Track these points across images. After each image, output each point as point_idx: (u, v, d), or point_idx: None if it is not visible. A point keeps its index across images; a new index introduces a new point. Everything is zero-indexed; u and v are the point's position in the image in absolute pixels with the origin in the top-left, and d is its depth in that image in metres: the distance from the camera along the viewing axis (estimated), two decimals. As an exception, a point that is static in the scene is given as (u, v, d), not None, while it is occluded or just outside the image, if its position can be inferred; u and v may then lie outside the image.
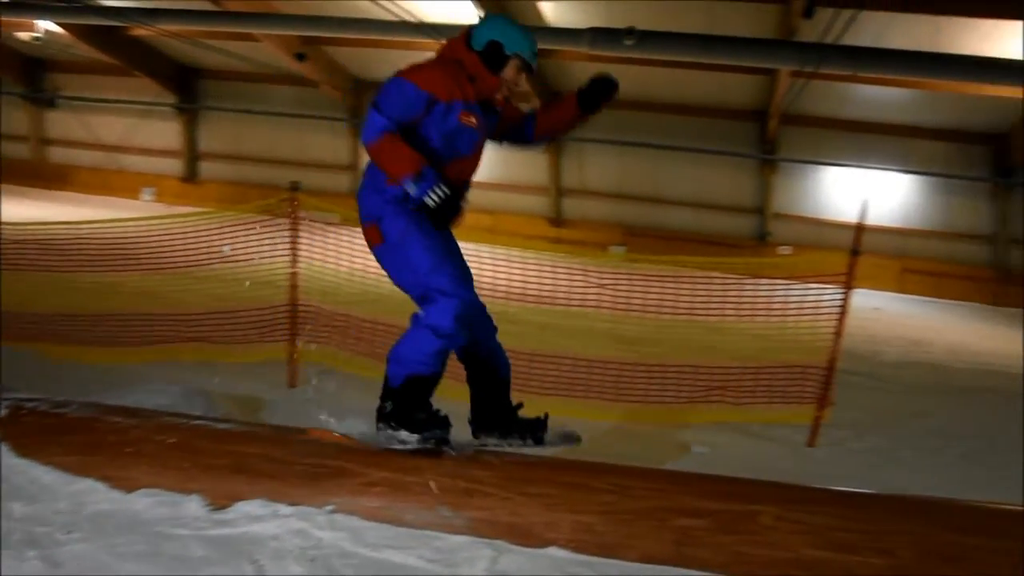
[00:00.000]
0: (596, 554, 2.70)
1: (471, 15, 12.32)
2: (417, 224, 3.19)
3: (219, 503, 2.91)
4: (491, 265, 6.86)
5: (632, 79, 14.40)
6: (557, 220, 16.35)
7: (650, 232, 15.33)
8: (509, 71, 3.31)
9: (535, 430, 3.44)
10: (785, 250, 14.66)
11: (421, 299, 3.23)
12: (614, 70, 14.11)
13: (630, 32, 11.08)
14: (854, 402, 6.94)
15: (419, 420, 3.15)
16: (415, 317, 3.22)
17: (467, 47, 3.30)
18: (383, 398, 3.23)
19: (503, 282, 6.88)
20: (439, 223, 3.19)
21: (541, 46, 13.62)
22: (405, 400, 3.17)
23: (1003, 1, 10.71)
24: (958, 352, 10.38)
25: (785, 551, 2.65)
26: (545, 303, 7.44)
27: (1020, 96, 12.31)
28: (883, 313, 12.56)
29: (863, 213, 5.77)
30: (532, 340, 6.86)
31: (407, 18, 11.65)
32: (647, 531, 2.72)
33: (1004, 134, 13.99)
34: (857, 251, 5.64)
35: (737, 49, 11.21)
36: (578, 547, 2.72)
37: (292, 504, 2.87)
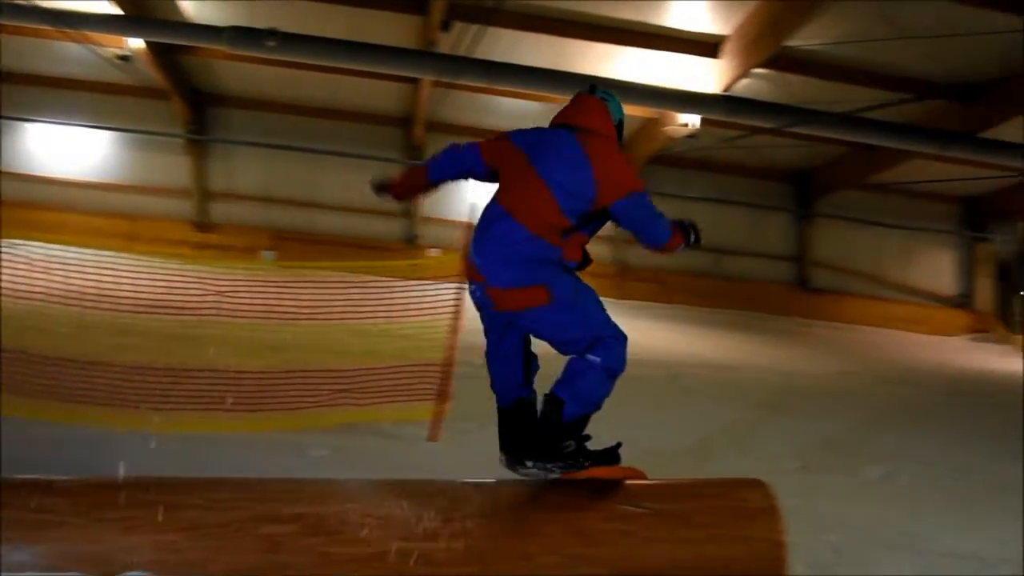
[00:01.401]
0: (179, 573, 2.62)
1: (101, 5, 11.38)
2: (579, 280, 3.46)
3: None
4: (126, 275, 6.41)
5: (280, 81, 14.22)
6: (203, 225, 15.62)
7: (301, 236, 15.17)
8: None
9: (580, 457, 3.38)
10: (434, 252, 15.19)
11: (589, 347, 3.35)
12: (258, 71, 13.84)
13: (272, 33, 10.89)
14: (484, 394, 7.36)
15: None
16: (585, 361, 3.34)
17: (613, 124, 3.64)
18: (554, 438, 3.31)
19: (130, 293, 6.45)
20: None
21: (179, 41, 12.94)
22: (579, 438, 3.35)
23: (618, 30, 11.98)
24: (583, 343, 11.40)
25: (371, 547, 2.76)
26: (184, 314, 7.07)
27: (633, 112, 13.86)
28: (523, 310, 13.47)
29: (472, 214, 6.09)
30: (163, 353, 6.51)
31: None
32: (234, 543, 2.69)
33: (621, 146, 15.66)
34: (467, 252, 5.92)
35: (379, 57, 11.45)
36: (160, 568, 2.61)
37: None
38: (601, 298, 3.57)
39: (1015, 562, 4.39)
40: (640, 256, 16.28)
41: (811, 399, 9.14)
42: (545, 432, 3.34)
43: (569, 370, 3.40)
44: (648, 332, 12.84)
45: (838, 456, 6.52)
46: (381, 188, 3.84)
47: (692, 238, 3.71)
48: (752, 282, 16.96)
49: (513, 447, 3.41)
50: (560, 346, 3.44)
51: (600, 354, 3.36)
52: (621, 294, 15.58)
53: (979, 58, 11.64)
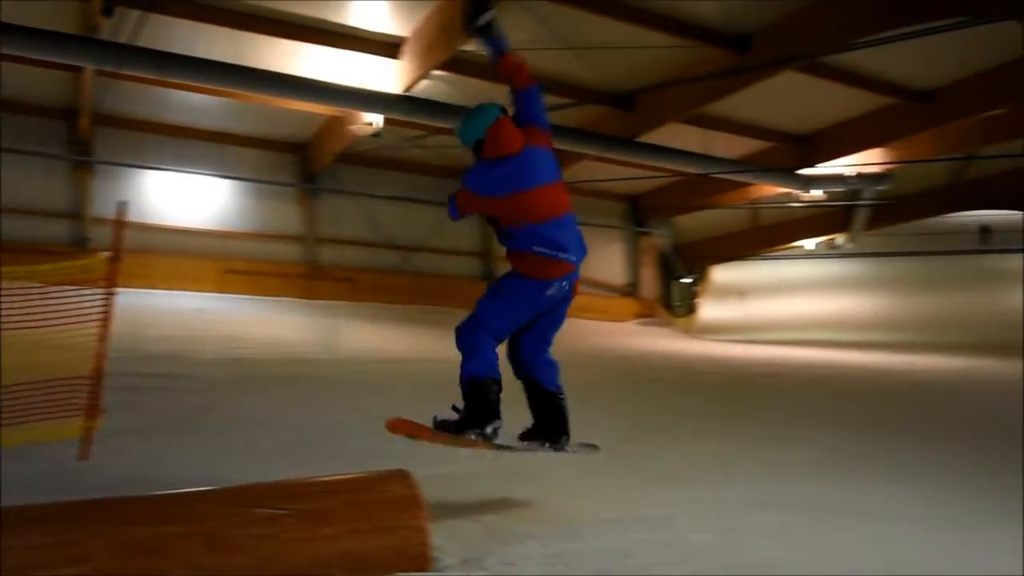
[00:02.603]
0: None
1: None
2: None
3: None
4: None
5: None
6: None
7: (-51, 242, 13.39)
8: None
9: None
10: (107, 255, 14.07)
11: None
12: None
13: None
14: (151, 405, 7.00)
15: None
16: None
17: None
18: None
19: None
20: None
21: None
22: None
23: (300, 27, 11.68)
24: (272, 345, 11.12)
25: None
26: None
27: (318, 111, 13.71)
28: (206, 314, 12.90)
29: (121, 213, 5.75)
30: None
31: None
32: None
33: (307, 143, 15.47)
34: (117, 254, 5.60)
35: (27, 40, 10.33)
36: None
37: None
38: (292, 299, 3.71)
39: (653, 521, 4.89)
40: (331, 255, 16.19)
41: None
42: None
43: (556, 366, 4.66)
44: (336, 330, 12.83)
45: (503, 438, 6.88)
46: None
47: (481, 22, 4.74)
48: (441, 278, 17.46)
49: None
50: (552, 337, 4.57)
51: None
52: (312, 294, 15.42)
53: (633, 69, 12.82)
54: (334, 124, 14.45)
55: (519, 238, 4.22)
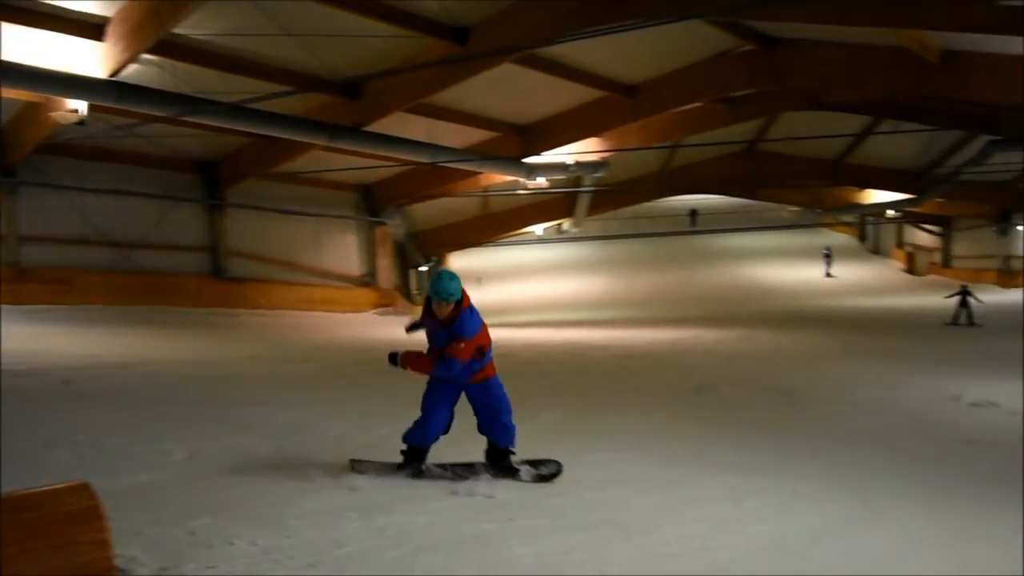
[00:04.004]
0: None
1: None
2: None
3: None
4: None
5: None
6: None
7: None
8: None
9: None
10: None
11: None
12: None
13: None
14: None
15: None
16: None
17: None
18: None
19: None
20: None
21: None
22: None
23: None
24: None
25: None
26: None
27: (11, 95, 12.39)
28: None
29: None
30: None
31: None
32: None
33: (0, 132, 14.00)
34: None
35: None
36: None
37: None
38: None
39: (371, 508, 4.92)
40: (39, 255, 14.80)
41: (209, 386, 9.24)
42: None
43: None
44: (43, 337, 11.78)
45: (223, 436, 6.68)
46: None
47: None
48: (167, 275, 16.54)
49: None
50: None
51: None
52: (17, 299, 14.02)
53: (357, 58, 12.77)
54: (32, 111, 13.16)
55: (488, 355, 5.70)
